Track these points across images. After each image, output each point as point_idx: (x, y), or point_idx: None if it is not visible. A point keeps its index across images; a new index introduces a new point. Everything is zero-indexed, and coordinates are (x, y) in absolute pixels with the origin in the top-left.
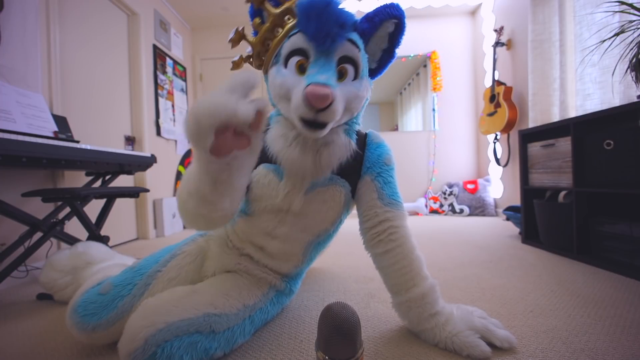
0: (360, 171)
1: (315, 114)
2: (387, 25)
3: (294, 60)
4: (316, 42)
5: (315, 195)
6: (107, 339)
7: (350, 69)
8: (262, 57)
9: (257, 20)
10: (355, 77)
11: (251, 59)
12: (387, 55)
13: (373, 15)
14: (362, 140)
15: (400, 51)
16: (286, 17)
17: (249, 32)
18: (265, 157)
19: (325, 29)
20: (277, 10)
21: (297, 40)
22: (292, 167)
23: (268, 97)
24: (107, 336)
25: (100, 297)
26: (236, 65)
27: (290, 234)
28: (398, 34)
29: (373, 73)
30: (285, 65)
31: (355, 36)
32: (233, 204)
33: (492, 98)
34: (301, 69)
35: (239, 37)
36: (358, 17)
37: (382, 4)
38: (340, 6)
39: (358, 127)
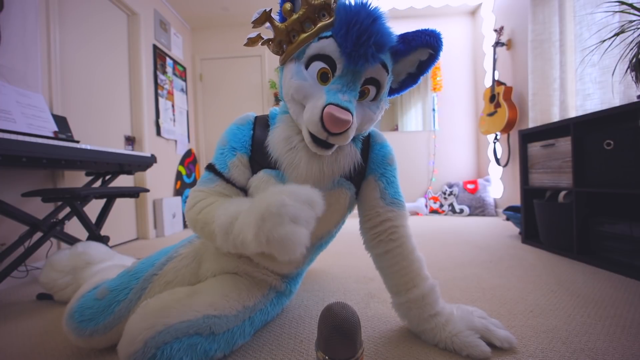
0: (364, 172)
1: (328, 135)
2: (422, 52)
3: (317, 65)
4: (349, 59)
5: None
6: (105, 344)
7: (372, 90)
8: (282, 45)
9: (288, 5)
10: (375, 97)
11: (270, 42)
12: (410, 79)
13: (411, 39)
14: (366, 140)
15: None
16: (321, 13)
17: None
18: (266, 162)
19: (363, 49)
20: (315, 2)
21: (328, 47)
22: (294, 174)
23: (279, 90)
24: (105, 341)
25: (96, 303)
26: (252, 42)
27: None
28: (429, 63)
29: (391, 92)
30: (307, 66)
31: (387, 58)
32: None
33: (492, 98)
34: (323, 77)
35: (265, 18)
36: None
37: (423, 29)
38: (385, 24)
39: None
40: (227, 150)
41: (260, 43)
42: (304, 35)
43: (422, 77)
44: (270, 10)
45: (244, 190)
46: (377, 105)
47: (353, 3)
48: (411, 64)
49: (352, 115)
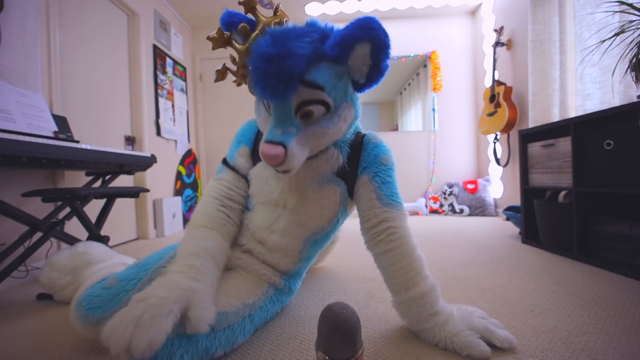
0: (356, 170)
1: (273, 167)
2: (360, 48)
3: (263, 101)
4: (267, 100)
5: (310, 193)
6: None
7: (316, 107)
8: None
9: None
10: (328, 109)
11: (236, 71)
12: (374, 70)
13: (341, 41)
14: (360, 140)
15: (400, 51)
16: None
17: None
18: None
19: (272, 89)
20: (242, 49)
21: (255, 88)
22: (282, 178)
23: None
24: None
25: (105, 291)
26: (220, 74)
27: (288, 229)
28: (377, 52)
29: (364, 86)
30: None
31: (318, 73)
32: None
33: (492, 98)
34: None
35: (223, 72)
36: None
37: (354, 22)
38: (286, 53)
39: (354, 132)
40: (235, 143)
41: (227, 74)
42: (248, 79)
43: (384, 64)
44: (224, 63)
45: (245, 177)
46: (331, 118)
47: (260, 47)
48: (363, 58)
49: (286, 146)
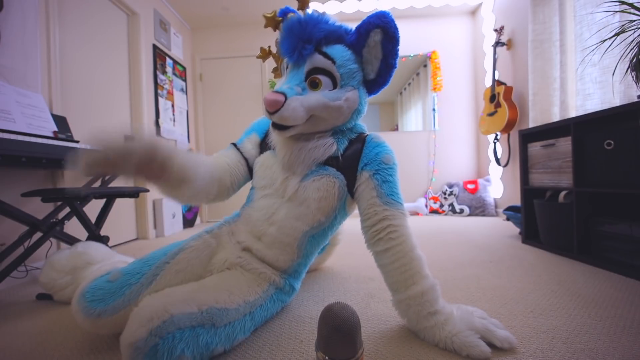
0: (357, 166)
1: (270, 115)
2: (374, 35)
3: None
4: (286, 56)
5: (310, 183)
6: (111, 328)
7: (324, 79)
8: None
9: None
10: (335, 87)
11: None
12: (383, 64)
13: (359, 27)
14: (362, 140)
15: (400, 51)
16: None
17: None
18: (270, 146)
19: (293, 45)
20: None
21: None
22: (278, 155)
23: None
24: (111, 324)
25: (108, 284)
26: (264, 52)
27: (286, 221)
28: (387, 42)
29: (374, 85)
30: None
31: (334, 49)
32: (191, 190)
33: (492, 98)
34: None
35: (267, 52)
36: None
37: (370, 14)
38: (312, 23)
39: (358, 130)
40: (247, 131)
41: (269, 56)
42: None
43: (393, 60)
44: (270, 46)
45: (247, 162)
46: (337, 93)
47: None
48: (375, 49)
49: (286, 97)
